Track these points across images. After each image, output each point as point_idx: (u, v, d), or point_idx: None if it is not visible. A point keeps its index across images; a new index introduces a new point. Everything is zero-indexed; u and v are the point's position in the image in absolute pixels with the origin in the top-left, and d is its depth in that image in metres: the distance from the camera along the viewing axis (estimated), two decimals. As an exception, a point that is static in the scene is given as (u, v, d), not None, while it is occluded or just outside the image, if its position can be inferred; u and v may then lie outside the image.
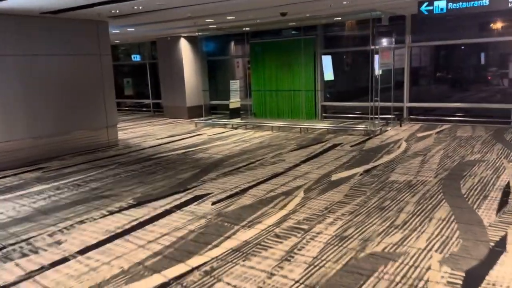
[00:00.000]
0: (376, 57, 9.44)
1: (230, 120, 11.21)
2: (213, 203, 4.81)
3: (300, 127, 9.81)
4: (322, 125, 10.10)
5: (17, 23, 7.23)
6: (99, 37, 8.43)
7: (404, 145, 7.59)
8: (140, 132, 10.64)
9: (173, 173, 6.29)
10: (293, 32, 11.98)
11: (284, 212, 4.42)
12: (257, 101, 12.47)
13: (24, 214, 4.78)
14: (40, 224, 4.42)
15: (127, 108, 16.33)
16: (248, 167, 6.48)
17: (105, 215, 4.58)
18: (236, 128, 10.66)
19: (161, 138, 9.56)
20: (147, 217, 4.47)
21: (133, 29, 10.68)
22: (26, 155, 7.43)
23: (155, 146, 8.66)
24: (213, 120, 11.62)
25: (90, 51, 8.31)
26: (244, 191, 5.24)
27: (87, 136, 8.39)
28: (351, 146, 7.76)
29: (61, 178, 6.32)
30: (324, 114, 11.58)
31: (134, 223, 4.31)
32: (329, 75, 11.27)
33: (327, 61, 11.25)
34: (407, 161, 6.35)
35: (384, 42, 10.47)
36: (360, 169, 6.01)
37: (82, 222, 4.42)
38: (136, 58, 15.91)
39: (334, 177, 5.69)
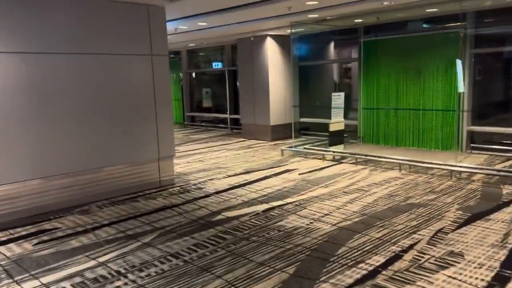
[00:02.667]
0: None
1: (330, 148, 8.00)
2: None
3: (449, 169, 6.23)
4: (485, 168, 6.44)
5: (21, 2, 4.85)
6: (151, 29, 5.82)
7: None
8: (208, 162, 7.89)
9: (243, 273, 3.28)
10: (424, 25, 8.44)
11: None
12: (366, 121, 9.10)
13: None
14: None
15: (203, 124, 13.90)
16: (398, 274, 3.23)
17: None
18: (339, 162, 7.42)
19: (234, 175, 6.67)
20: None
21: (205, 23, 8.03)
22: (29, 205, 4.98)
23: (223, 191, 5.78)
24: (305, 147, 8.50)
25: (135, 50, 5.72)
26: None
27: (128, 174, 5.78)
28: None
29: (54, 266, 3.65)
30: (472, 145, 7.83)
31: None
32: (460, 86, 7.61)
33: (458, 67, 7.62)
34: None
35: None
36: None
37: None
38: (217, 65, 13.48)
39: None
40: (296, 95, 10.40)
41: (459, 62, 7.43)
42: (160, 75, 5.92)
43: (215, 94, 14.14)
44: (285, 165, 7.35)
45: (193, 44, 12.18)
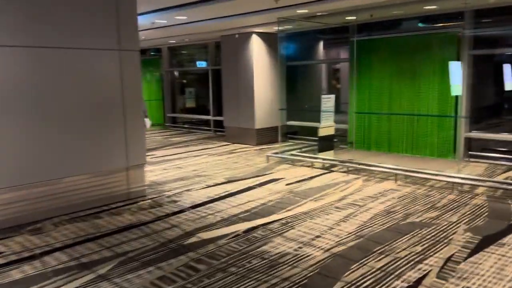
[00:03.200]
0: None
1: (320, 155, 7.41)
2: None
3: (451, 181, 5.68)
4: (490, 180, 5.92)
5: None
6: (119, 19, 5.12)
7: None
8: (187, 169, 7.21)
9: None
10: (420, 24, 7.92)
11: None
12: (357, 125, 8.54)
13: None
14: None
15: (185, 126, 13.16)
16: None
17: None
18: (330, 170, 6.82)
19: (214, 186, 6.02)
20: None
21: (185, 17, 7.36)
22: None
23: (200, 205, 5.11)
24: (292, 153, 7.89)
25: (100, 44, 5.01)
26: None
27: (91, 185, 5.07)
28: None
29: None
30: (470, 152, 7.33)
31: None
32: (457, 88, 7.14)
33: (455, 69, 7.16)
34: None
35: None
36: None
37: None
38: (202, 64, 12.77)
39: None
40: (283, 98, 9.79)
41: (455, 64, 6.94)
42: (129, 73, 5.22)
43: (199, 94, 13.45)
44: (271, 173, 6.73)
45: (174, 41, 11.46)
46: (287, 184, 6.00)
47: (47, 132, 4.65)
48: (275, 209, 4.85)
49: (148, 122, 10.14)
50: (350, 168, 6.73)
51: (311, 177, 6.40)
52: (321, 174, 6.59)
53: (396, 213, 4.64)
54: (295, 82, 10.10)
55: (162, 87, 13.51)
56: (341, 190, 5.62)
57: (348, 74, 9.31)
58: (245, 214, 4.70)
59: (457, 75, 7.14)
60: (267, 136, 9.78)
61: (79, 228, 4.39)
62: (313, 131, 9.24)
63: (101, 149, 5.08)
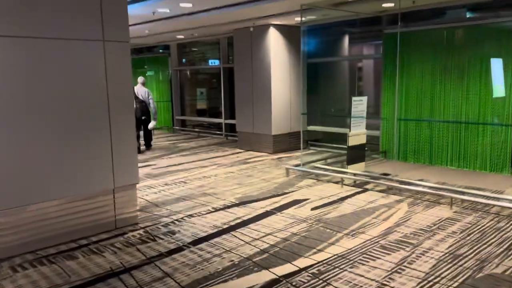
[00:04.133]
0: None
1: (349, 169, 6.22)
2: None
3: (519, 207, 4.45)
4: None
5: None
6: (103, 3, 4.03)
7: None
8: (193, 184, 6.11)
9: None
10: (471, 13, 6.66)
11: None
12: (391, 131, 7.33)
13: None
14: None
15: (195, 130, 12.07)
16: None
17: None
18: (363, 188, 5.64)
19: (223, 209, 4.89)
20: None
21: (190, 4, 6.26)
22: None
23: (203, 240, 4.00)
24: (316, 165, 6.72)
25: (78, 33, 3.92)
26: None
27: (68, 213, 3.99)
28: None
29: None
30: (534, 167, 6.06)
31: None
32: (498, 89, 5.97)
33: (497, 67, 6.01)
34: None
35: None
36: None
37: None
38: (214, 62, 11.68)
39: None
40: (304, 100, 8.62)
41: (495, 61, 5.73)
42: (116, 70, 4.13)
43: (210, 95, 12.38)
44: (292, 192, 5.57)
45: (182, 36, 10.39)
46: (313, 209, 4.84)
47: (9, 143, 3.58)
48: (300, 249, 3.70)
49: (152, 122, 9.11)
50: (389, 187, 5.54)
51: (342, 198, 5.22)
52: (353, 194, 5.41)
53: (466, 259, 3.44)
54: (317, 81, 8.92)
55: (170, 87, 12.46)
56: (383, 219, 4.44)
57: (373, 72, 8.10)
58: (262, 257, 3.56)
59: (498, 74, 5.97)
60: (285, 143, 8.63)
61: (42, 275, 3.32)
62: (338, 137, 8.08)
63: (79, 166, 4.00)
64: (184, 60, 12.59)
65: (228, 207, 4.97)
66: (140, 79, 8.90)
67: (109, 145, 4.17)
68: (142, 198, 5.37)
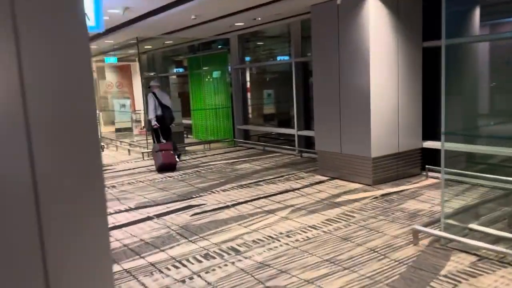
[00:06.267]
0: None
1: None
2: None
3: None
4: None
5: None
6: None
7: None
8: (248, 259, 3.57)
9: None
10: None
11: None
12: None
13: None
14: None
15: (260, 143, 9.58)
16: None
17: None
18: None
19: None
20: None
21: None
22: None
23: None
24: (471, 226, 3.79)
25: None
26: None
27: None
28: None
29: None
30: None
31: None
32: None
33: None
34: None
35: None
36: None
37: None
38: (285, 58, 9.17)
39: None
40: (418, 102, 5.70)
41: None
42: (41, 69, 1.67)
43: (279, 99, 9.84)
44: (441, 294, 2.80)
45: (242, 23, 7.95)
46: None
47: None
48: None
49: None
50: None
51: None
52: None
53: None
54: (434, 74, 5.93)
55: (230, 91, 10.13)
56: None
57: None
58: None
59: None
60: (390, 169, 5.80)
61: None
62: (486, 160, 5.10)
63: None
64: (247, 58, 10.19)
65: None
66: (155, 82, 8.08)
67: (34, 223, 1.72)
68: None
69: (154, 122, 7.65)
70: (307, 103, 8.19)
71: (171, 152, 7.42)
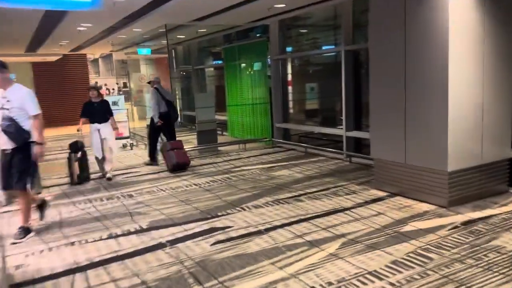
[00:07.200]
0: None
1: None
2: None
3: None
4: None
5: None
6: None
7: None
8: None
9: None
10: None
11: None
12: None
13: None
14: None
15: (302, 145, 8.39)
16: None
17: None
18: None
19: None
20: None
21: None
22: None
23: None
24: None
25: None
26: None
27: None
28: None
29: None
30: None
31: None
32: None
33: None
34: None
35: None
36: None
37: None
38: (329, 47, 7.96)
39: None
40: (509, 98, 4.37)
41: None
42: None
43: (323, 94, 8.61)
44: None
45: (282, 5, 6.79)
46: None
47: None
48: None
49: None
50: None
51: None
52: None
53: None
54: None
55: (269, 84, 9.01)
56: None
57: None
58: None
59: None
60: (472, 186, 4.50)
61: None
62: None
63: None
64: (289, 48, 9.03)
65: None
66: (156, 77, 7.46)
67: None
68: None
69: (157, 119, 7.13)
70: (357, 98, 6.95)
71: (183, 150, 7.04)
